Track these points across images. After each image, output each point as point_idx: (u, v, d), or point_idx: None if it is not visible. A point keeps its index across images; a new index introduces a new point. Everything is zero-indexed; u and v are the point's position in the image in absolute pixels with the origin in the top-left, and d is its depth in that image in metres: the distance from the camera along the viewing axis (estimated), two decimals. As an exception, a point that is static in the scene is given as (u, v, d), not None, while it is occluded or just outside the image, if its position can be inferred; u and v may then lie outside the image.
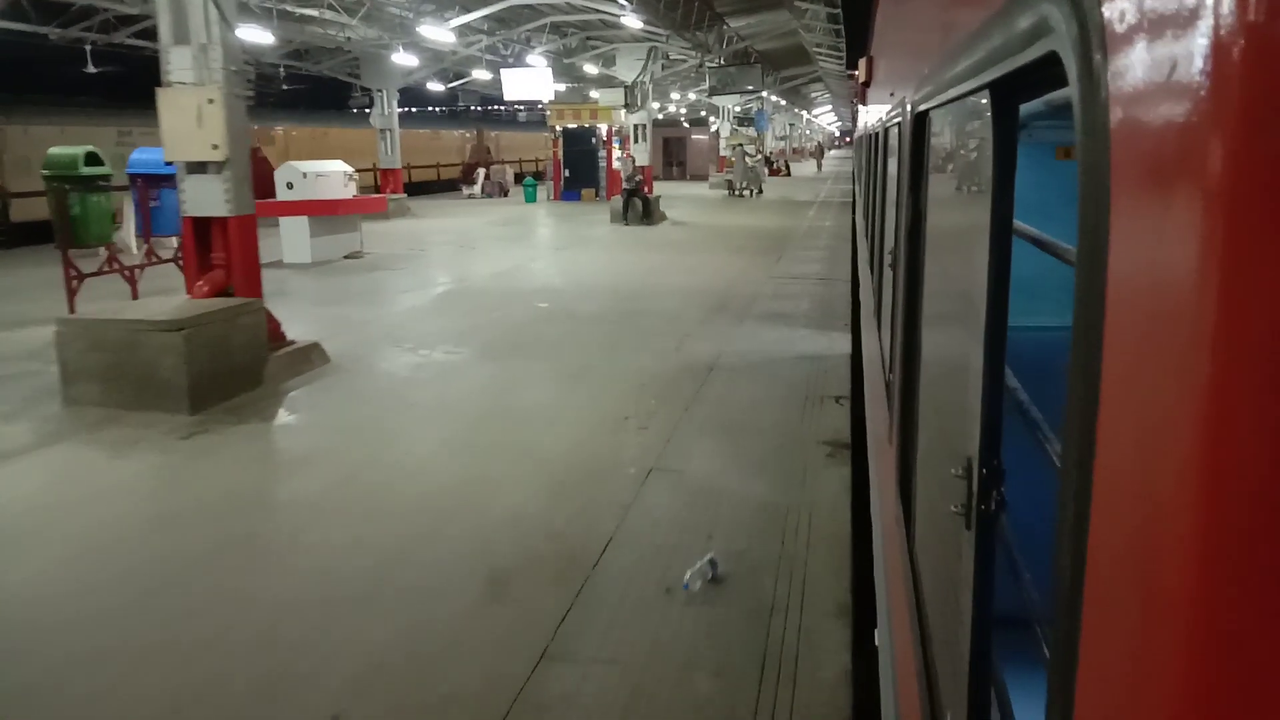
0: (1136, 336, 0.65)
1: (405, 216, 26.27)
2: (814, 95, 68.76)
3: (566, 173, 33.27)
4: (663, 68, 25.15)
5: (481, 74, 28.09)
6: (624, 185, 24.34)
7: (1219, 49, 0.52)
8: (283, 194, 16.32)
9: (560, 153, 33.31)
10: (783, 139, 72.99)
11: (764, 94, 42.39)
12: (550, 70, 25.22)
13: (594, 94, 25.77)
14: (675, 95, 43.41)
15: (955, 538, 1.51)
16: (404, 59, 24.23)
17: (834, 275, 15.63)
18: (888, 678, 2.83)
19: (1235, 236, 0.51)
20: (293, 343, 9.15)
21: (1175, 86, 0.57)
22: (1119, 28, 0.68)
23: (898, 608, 2.54)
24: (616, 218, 24.42)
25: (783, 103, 54.26)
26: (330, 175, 16.82)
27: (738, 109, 42.93)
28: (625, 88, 24.92)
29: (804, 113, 77.06)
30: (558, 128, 33.30)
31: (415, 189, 44.36)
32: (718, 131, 43.54)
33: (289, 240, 16.47)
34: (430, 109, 69.29)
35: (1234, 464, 0.52)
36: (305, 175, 16.27)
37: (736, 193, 34.94)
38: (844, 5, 29.97)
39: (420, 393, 8.47)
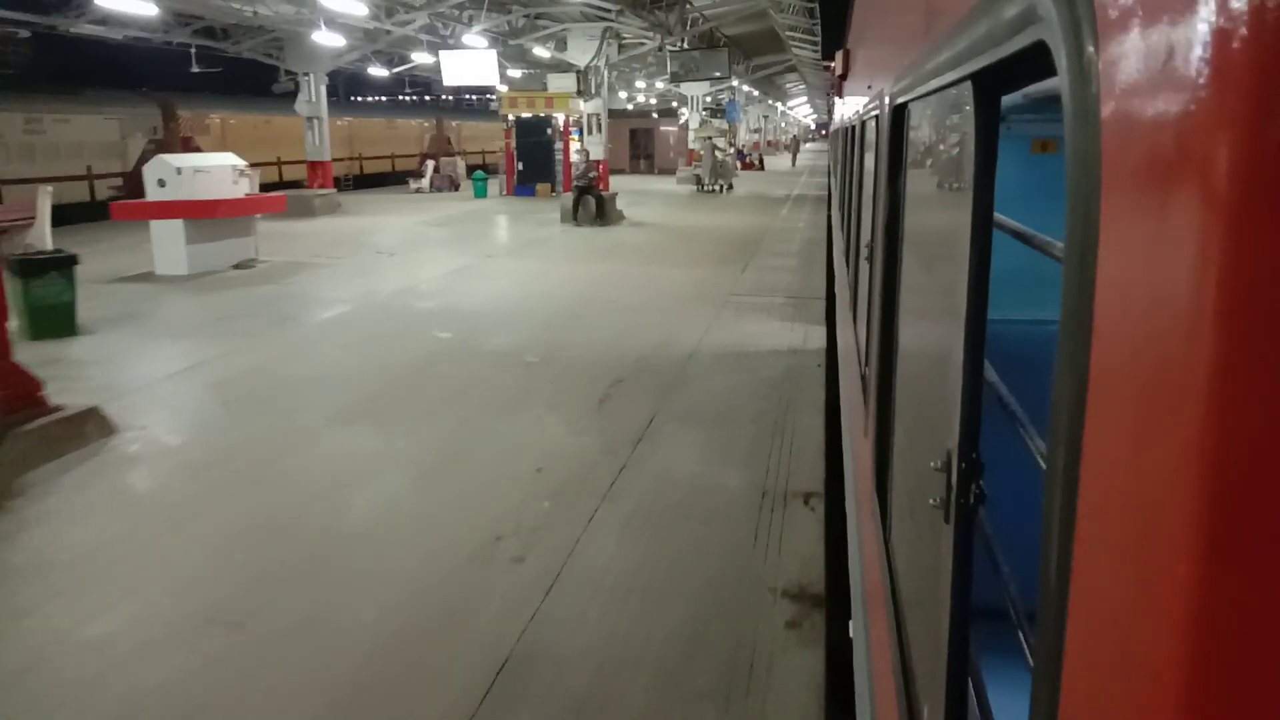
0: (1126, 333, 0.64)
1: (334, 214, 23.62)
2: (789, 86, 66.40)
3: (520, 166, 30.68)
4: (619, 50, 22.62)
5: (423, 57, 25.44)
6: (574, 181, 21.83)
7: (1217, 37, 0.51)
8: (153, 193, 13.67)
9: (514, 144, 30.70)
10: (757, 131, 70.66)
11: (734, 83, 39.94)
12: (495, 53, 22.63)
13: (555, 80, 23.23)
14: (641, 84, 40.86)
15: (933, 531, 1.49)
16: (328, 39, 21.54)
17: (807, 291, 13.27)
18: (863, 670, 2.79)
19: (1231, 231, 0.50)
20: (58, 409, 6.61)
21: (1170, 76, 0.56)
22: (1111, 15, 0.67)
23: (874, 600, 2.50)
24: (567, 217, 21.94)
25: (755, 93, 51.83)
26: (213, 170, 14.18)
27: (708, 99, 40.48)
28: (577, 73, 22.40)
29: (778, 104, 74.73)
30: (511, 117, 30.68)
31: (369, 181, 41.64)
32: (687, 123, 41.08)
33: (161, 248, 13.83)
34: (403, 98, 66.24)
35: (1225, 459, 0.52)
36: (180, 171, 13.64)
37: (705, 188, 32.52)
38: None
39: (209, 499, 5.93)
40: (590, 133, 22.92)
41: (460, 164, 35.19)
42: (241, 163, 14.90)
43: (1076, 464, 0.73)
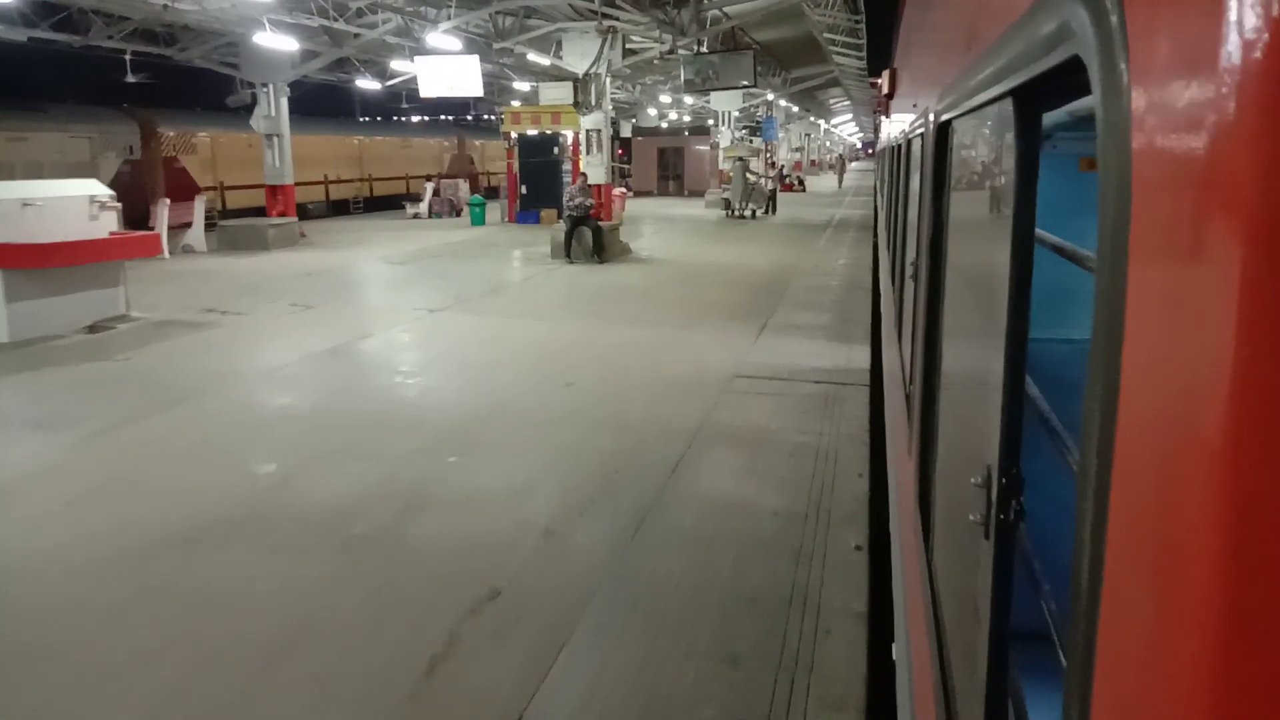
0: (1157, 347, 0.65)
1: (293, 247, 20.23)
2: (833, 102, 62.39)
3: (523, 190, 27.14)
4: (623, 55, 18.98)
5: (405, 65, 22.09)
6: (567, 209, 18.16)
7: (1246, 51, 0.52)
8: (-29, 233, 10.23)
9: (516, 165, 27.20)
10: (798, 150, 66.70)
11: (770, 97, 36.13)
12: (476, 59, 19.13)
13: (548, 91, 19.60)
14: (667, 99, 37.22)
15: (974, 548, 1.50)
16: (275, 41, 18.22)
17: (843, 369, 9.38)
18: (905, 692, 2.80)
19: (1262, 248, 0.51)
20: None
21: (1201, 90, 0.57)
22: (1141, 31, 0.68)
23: (915, 620, 2.53)
24: (558, 252, 18.27)
25: (795, 109, 47.93)
26: (54, 204, 10.73)
27: (738, 114, 36.74)
28: (574, 81, 18.79)
29: (821, 122, 70.69)
30: (514, 135, 27.23)
31: (380, 203, 38.52)
32: (719, 142, 37.24)
33: (-24, 305, 10.38)
34: (442, 117, 63.22)
35: (1256, 474, 0.52)
36: (8, 204, 10.20)
37: (734, 214, 28.66)
38: (867, 18, 24.21)
39: None
40: (589, 152, 19.27)
41: (463, 186, 31.78)
42: (104, 192, 11.45)
43: (1108, 477, 0.73)
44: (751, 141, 32.97)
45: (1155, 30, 0.66)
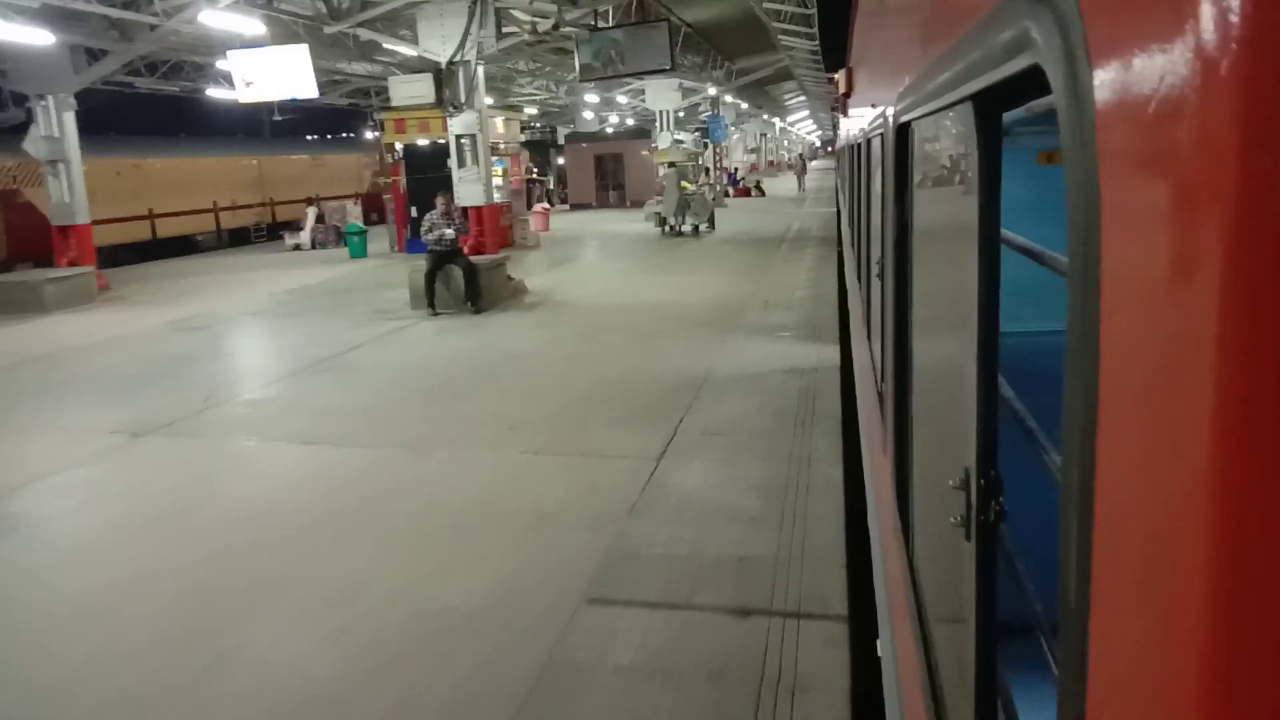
0: (1133, 345, 0.66)
1: (79, 307, 15.29)
2: (787, 99, 58.19)
3: (414, 212, 22.37)
4: (498, 36, 14.32)
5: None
6: (427, 243, 13.44)
7: (1206, 61, 0.53)
8: None
9: (404, 183, 22.44)
10: (754, 152, 62.43)
11: (712, 91, 31.65)
12: (305, 49, 14.41)
13: (402, 88, 14.78)
14: (593, 96, 32.62)
15: (956, 548, 1.50)
16: (32, 35, 13.37)
17: (811, 594, 4.79)
18: (892, 689, 2.80)
19: (1226, 244, 0.52)
20: None
21: (1162, 99, 0.58)
22: (1103, 41, 0.69)
23: (900, 618, 2.52)
24: (419, 300, 13.55)
25: (744, 105, 43.50)
26: None
27: (682, 114, 32.24)
28: (435, 72, 14.11)
29: (777, 120, 66.50)
30: (398, 147, 22.48)
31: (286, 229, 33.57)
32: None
33: None
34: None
35: (1239, 467, 0.52)
36: None
37: (673, 230, 24.03)
38: (819, 10, 20.04)
39: None
40: (461, 164, 14.58)
41: (352, 210, 26.90)
42: None
43: (1091, 476, 0.73)
44: (683, 144, 28.36)
45: (1117, 39, 0.66)
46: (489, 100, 29.60)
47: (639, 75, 14.65)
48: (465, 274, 13.41)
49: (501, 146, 24.53)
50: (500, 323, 12.92)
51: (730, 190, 41.66)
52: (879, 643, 3.48)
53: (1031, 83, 0.91)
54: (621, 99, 33.81)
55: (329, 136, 54.06)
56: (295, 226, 26.58)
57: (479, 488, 6.47)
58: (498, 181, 25.12)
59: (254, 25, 13.86)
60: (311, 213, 26.11)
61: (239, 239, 33.45)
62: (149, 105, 33.00)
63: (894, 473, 2.62)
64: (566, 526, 5.67)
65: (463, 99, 14.31)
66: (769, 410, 8.05)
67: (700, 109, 35.35)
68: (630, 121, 43.62)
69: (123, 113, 32.50)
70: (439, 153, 22.01)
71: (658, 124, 30.71)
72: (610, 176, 39.61)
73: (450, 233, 13.34)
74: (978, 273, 1.31)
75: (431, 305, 13.40)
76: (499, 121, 23.35)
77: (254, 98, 15.04)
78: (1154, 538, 0.62)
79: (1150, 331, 0.62)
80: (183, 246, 30.88)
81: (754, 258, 19.13)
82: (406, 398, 8.99)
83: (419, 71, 14.41)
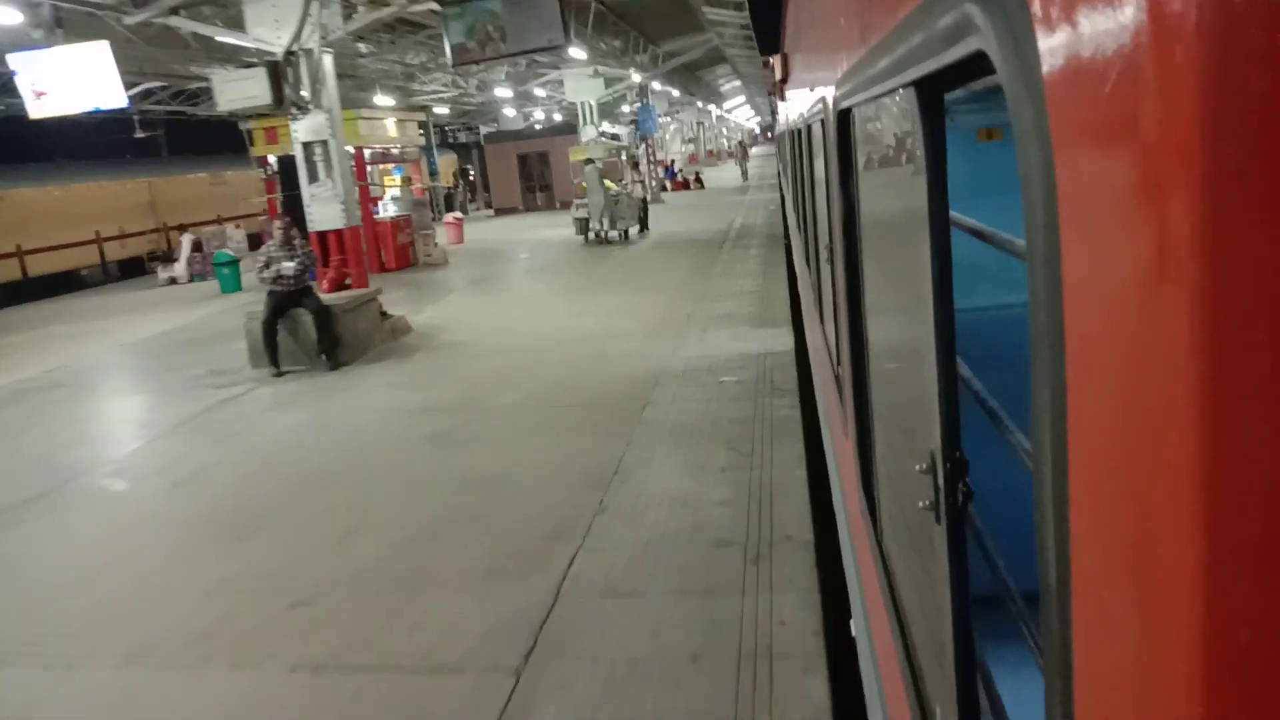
0: (1095, 322, 0.66)
1: None
2: (721, 84, 55.58)
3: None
4: (345, 18, 11.29)
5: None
6: (263, 282, 10.42)
7: (1150, 42, 0.54)
8: None
9: (279, 201, 19.26)
10: (691, 142, 59.74)
11: (636, 78, 28.79)
12: (106, 45, 11.25)
13: (228, 87, 11.65)
14: (505, 90, 29.55)
15: (925, 530, 1.50)
16: None
17: None
18: (868, 665, 2.80)
19: (1190, 220, 0.52)
20: None
21: (1108, 79, 0.58)
22: (1047, 23, 0.68)
23: (872, 598, 2.52)
24: (260, 357, 10.51)
25: (676, 93, 40.66)
26: None
27: (607, 104, 29.33)
28: (270, 65, 11.07)
29: (713, 107, 63.89)
30: (271, 160, 19.32)
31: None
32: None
33: None
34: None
35: (1213, 443, 0.53)
36: None
37: (599, 236, 21.09)
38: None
39: None
40: (313, 180, 11.56)
41: (235, 235, 23.60)
42: None
43: (1064, 457, 0.73)
44: (618, 138, 25.48)
45: (1061, 22, 0.65)
46: (388, 100, 26.45)
47: (525, 54, 11.77)
48: (316, 319, 10.40)
49: (396, 151, 21.46)
50: (362, 383, 9.93)
51: (667, 184, 38.89)
52: (852, 623, 3.47)
53: (975, 64, 0.92)
54: (539, 91, 30.78)
55: (233, 153, 50.04)
56: (170, 258, 23.20)
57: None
58: (394, 192, 22.09)
59: (9, 14, 10.62)
60: (187, 241, 22.73)
61: (133, 269, 29.92)
62: (10, 130, 29.10)
63: (858, 456, 2.60)
64: None
65: (308, 97, 11.31)
66: (702, 539, 5.23)
67: (627, 99, 32.46)
68: (558, 117, 40.53)
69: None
70: (320, 164, 18.91)
71: (580, 117, 27.75)
72: (536, 177, 36.62)
73: (291, 267, 10.30)
74: (930, 256, 1.31)
75: (274, 363, 10.36)
76: (390, 124, 20.29)
77: (49, 111, 11.81)
78: (1129, 518, 0.62)
79: (1115, 312, 0.61)
80: (65, 283, 27.35)
81: (691, 267, 16.34)
82: (170, 546, 5.99)
83: (250, 66, 11.36)
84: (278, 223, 10.77)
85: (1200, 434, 0.52)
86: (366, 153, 19.75)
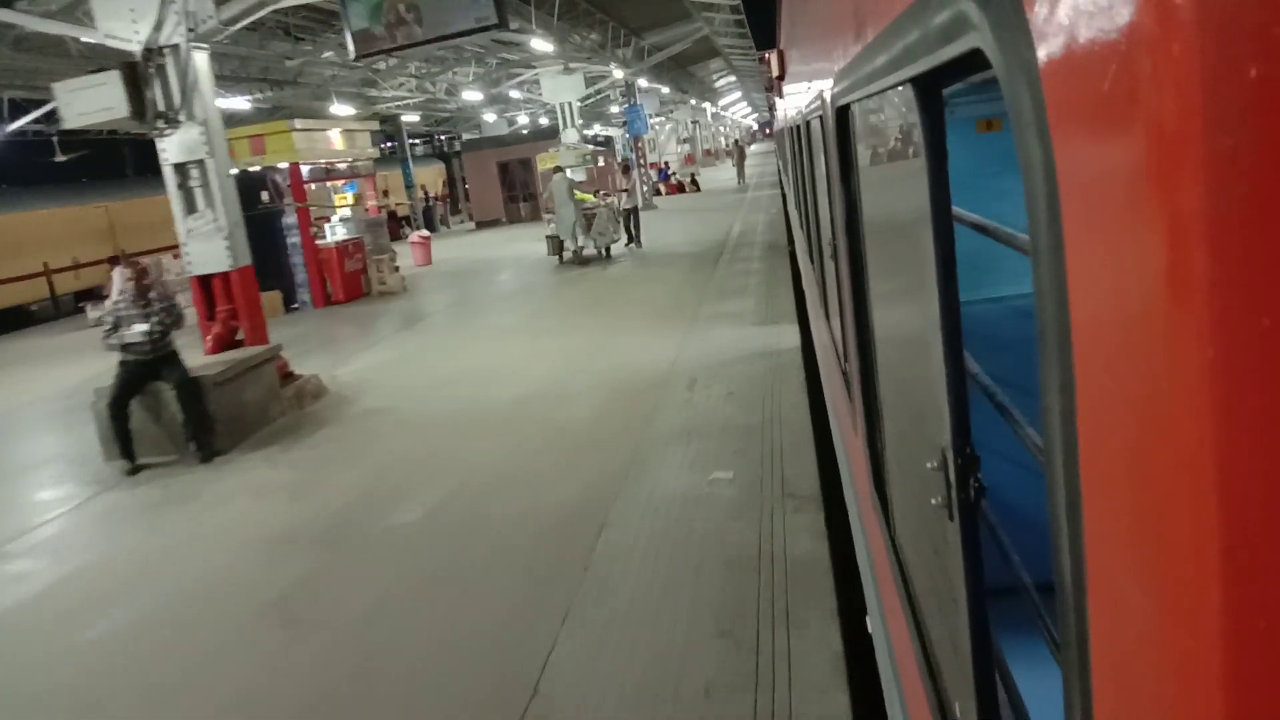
0: (1103, 318, 0.66)
1: None
2: (716, 80, 53.03)
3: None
4: (215, 1, 8.84)
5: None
6: (109, 348, 7.98)
7: (1147, 40, 0.54)
8: None
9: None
10: (686, 142, 57.16)
11: (618, 74, 26.27)
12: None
13: (75, 97, 9.28)
14: (474, 94, 27.03)
15: (938, 526, 1.50)
16: None
17: None
18: (886, 660, 2.80)
19: (1191, 208, 0.52)
20: None
21: (1104, 76, 0.59)
22: (1044, 22, 0.69)
23: (888, 595, 2.50)
24: (111, 443, 8.02)
25: (666, 90, 38.04)
26: None
27: (584, 103, 26.85)
28: (126, 67, 8.64)
29: (708, 105, 61.29)
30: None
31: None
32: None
33: None
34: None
35: (1223, 424, 0.52)
36: None
37: (574, 255, 18.48)
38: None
39: None
40: (191, 210, 9.10)
41: (176, 265, 21.10)
42: None
43: (1075, 452, 0.73)
44: (570, 145, 22.89)
45: (1058, 20, 0.65)
46: (347, 110, 23.88)
47: (447, 40, 9.30)
48: (179, 396, 7.90)
49: (344, 166, 18.99)
50: (227, 485, 7.38)
51: (660, 188, 36.35)
52: (868, 619, 3.47)
53: (973, 59, 0.91)
54: (514, 94, 28.26)
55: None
56: (99, 295, 20.77)
57: None
58: (345, 212, 19.63)
59: None
60: (118, 275, 20.24)
61: (89, 300, 27.53)
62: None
63: (868, 454, 2.60)
64: None
65: (176, 105, 8.86)
66: None
67: (612, 99, 29.96)
68: (545, 121, 37.95)
69: None
70: (252, 183, 16.51)
71: (560, 120, 25.26)
72: (520, 186, 34.08)
73: (144, 330, 7.81)
74: (934, 251, 1.31)
75: (126, 454, 7.87)
76: (335, 135, 17.81)
77: None
78: (1143, 509, 0.61)
79: (1121, 302, 0.61)
80: (13, 320, 25.00)
81: (679, 291, 13.83)
82: None
83: (102, 70, 8.92)
84: (125, 270, 8.29)
85: (1212, 422, 0.52)
86: (306, 169, 17.25)
